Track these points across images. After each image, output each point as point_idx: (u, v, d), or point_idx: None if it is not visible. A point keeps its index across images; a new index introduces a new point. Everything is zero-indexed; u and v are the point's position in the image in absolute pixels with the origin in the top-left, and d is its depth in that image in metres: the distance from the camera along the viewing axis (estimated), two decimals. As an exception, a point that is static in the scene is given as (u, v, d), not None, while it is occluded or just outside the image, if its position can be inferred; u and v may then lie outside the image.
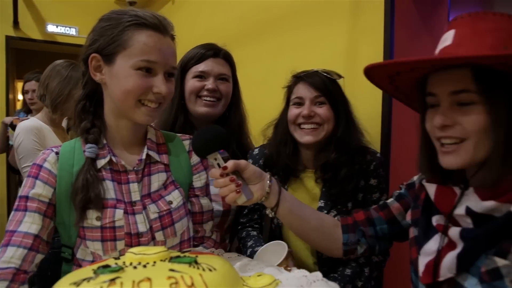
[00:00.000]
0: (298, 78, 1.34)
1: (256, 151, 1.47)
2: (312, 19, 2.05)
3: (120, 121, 1.02)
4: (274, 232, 1.39)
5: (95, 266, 0.72)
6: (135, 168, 1.03)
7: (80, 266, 1.00)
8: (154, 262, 0.71)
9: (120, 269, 0.66)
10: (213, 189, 1.38)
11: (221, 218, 1.43)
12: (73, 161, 1.00)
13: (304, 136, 1.30)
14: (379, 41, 1.63)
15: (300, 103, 1.32)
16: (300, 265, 1.30)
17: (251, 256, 1.31)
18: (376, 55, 1.63)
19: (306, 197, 1.36)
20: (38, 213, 0.94)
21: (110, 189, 0.99)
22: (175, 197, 1.06)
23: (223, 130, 0.97)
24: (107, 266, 0.68)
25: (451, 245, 0.79)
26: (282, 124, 1.38)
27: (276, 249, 1.16)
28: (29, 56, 2.68)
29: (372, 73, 0.88)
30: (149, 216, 1.01)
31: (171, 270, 0.64)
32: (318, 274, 0.76)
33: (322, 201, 1.32)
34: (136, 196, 1.02)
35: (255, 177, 0.96)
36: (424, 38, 1.70)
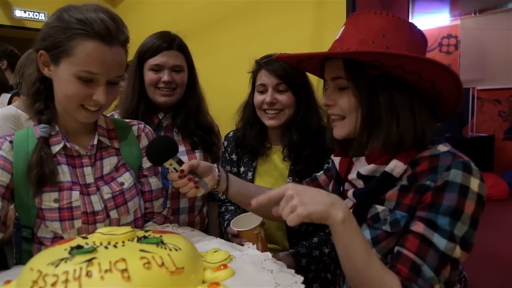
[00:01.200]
0: (260, 65, 1.43)
1: (231, 133, 1.60)
2: (281, 5, 2.14)
3: (68, 114, 1.07)
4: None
5: (66, 245, 0.78)
6: (88, 153, 1.10)
7: (41, 243, 1.06)
8: (123, 242, 0.79)
9: (93, 249, 0.73)
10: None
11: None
12: (28, 148, 1.04)
13: (268, 120, 1.43)
14: (341, 25, 1.73)
15: (263, 90, 1.42)
16: (270, 237, 1.43)
17: (227, 227, 1.42)
18: None
19: (275, 173, 1.48)
20: None
21: (66, 173, 1.05)
22: (126, 178, 1.14)
23: (171, 139, 1.10)
24: (80, 246, 0.75)
25: (353, 205, 0.97)
26: (248, 107, 1.50)
27: (250, 219, 1.28)
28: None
29: (282, 60, 1.05)
30: (103, 196, 1.09)
31: (142, 250, 0.72)
32: (268, 254, 0.87)
33: (290, 177, 1.44)
34: (90, 179, 1.09)
35: (206, 171, 1.10)
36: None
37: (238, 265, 0.84)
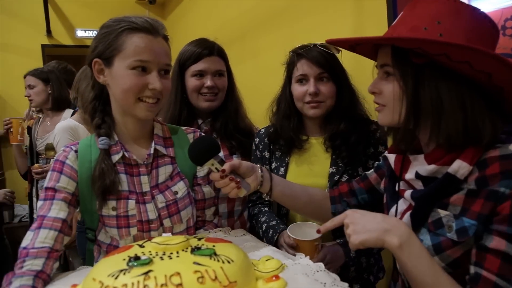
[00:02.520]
0: (299, 54, 1.38)
1: (262, 130, 1.57)
2: (320, 5, 2.10)
3: (126, 118, 1.12)
4: (282, 210, 1.50)
5: (125, 254, 0.81)
6: (145, 162, 1.13)
7: (100, 246, 1.14)
8: (177, 252, 0.81)
9: (150, 261, 0.76)
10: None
11: None
12: (91, 156, 1.11)
13: (310, 110, 1.38)
14: (383, 21, 1.68)
15: (303, 79, 1.38)
16: None
17: (266, 230, 1.42)
18: (381, 33, 1.69)
19: (313, 165, 1.44)
20: (64, 201, 1.06)
21: (123, 182, 1.10)
22: (180, 187, 1.16)
23: (213, 140, 1.09)
24: (137, 257, 0.78)
25: (410, 207, 0.92)
26: (284, 100, 1.46)
27: (306, 227, 1.23)
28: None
29: (335, 44, 1.02)
30: (157, 205, 1.12)
31: (196, 263, 0.73)
32: (321, 265, 0.86)
33: (333, 167, 1.39)
34: (146, 187, 1.12)
35: (248, 171, 1.09)
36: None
37: (290, 275, 0.84)
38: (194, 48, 1.56)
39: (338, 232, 1.38)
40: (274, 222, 1.43)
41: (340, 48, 1.37)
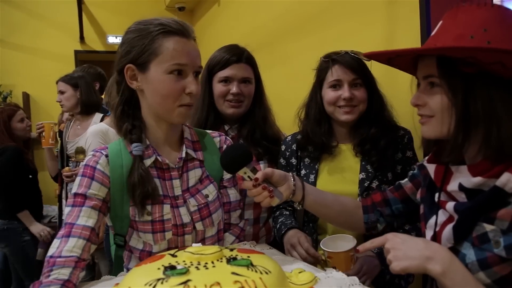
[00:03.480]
0: (334, 60, 1.40)
1: (289, 137, 1.58)
2: (351, 9, 2.09)
3: (159, 122, 1.11)
4: (309, 216, 1.48)
5: (159, 263, 0.81)
6: (176, 166, 1.12)
7: (131, 251, 1.12)
8: (213, 262, 0.80)
9: (186, 270, 0.75)
10: None
11: None
12: (122, 161, 1.09)
13: (343, 115, 1.39)
14: (415, 28, 1.66)
15: (337, 85, 1.39)
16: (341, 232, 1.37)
17: (279, 228, 1.44)
18: (413, 41, 1.67)
19: (344, 172, 1.44)
20: (94, 209, 1.04)
21: (157, 186, 1.09)
22: (211, 190, 1.16)
23: (246, 147, 1.10)
24: (173, 267, 0.77)
25: (450, 219, 0.89)
26: (315, 105, 1.47)
27: (339, 240, 1.21)
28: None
29: (372, 57, 0.99)
30: (190, 208, 1.11)
31: (234, 273, 0.73)
32: (355, 279, 0.84)
33: (363, 173, 1.40)
34: (178, 191, 1.12)
35: (281, 180, 1.08)
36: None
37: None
38: (223, 54, 1.57)
39: (370, 237, 1.36)
40: (289, 221, 1.45)
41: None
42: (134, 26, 1.07)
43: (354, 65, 1.36)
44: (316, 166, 1.47)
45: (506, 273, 0.78)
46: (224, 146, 1.23)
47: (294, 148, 1.54)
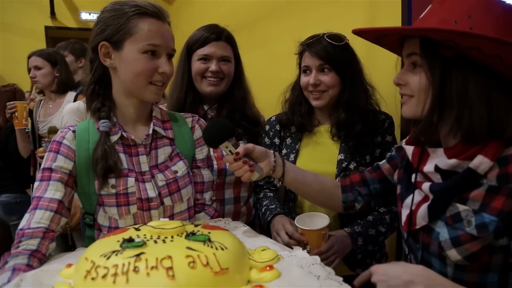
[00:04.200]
0: (304, 47, 1.43)
1: (273, 118, 1.61)
2: None
3: (129, 100, 1.13)
4: (289, 196, 1.51)
5: (119, 236, 0.81)
6: (143, 142, 1.14)
7: (100, 230, 1.13)
8: (172, 236, 0.80)
9: (143, 243, 0.75)
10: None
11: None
12: (89, 137, 1.11)
13: (313, 101, 1.43)
14: (397, 12, 1.65)
15: (307, 70, 1.42)
16: None
17: (264, 212, 1.46)
18: (394, 25, 1.65)
19: (322, 153, 1.47)
20: (60, 182, 1.06)
21: (123, 161, 1.11)
22: (180, 167, 1.17)
23: (228, 122, 1.10)
24: (131, 239, 0.78)
25: (425, 199, 0.92)
26: (296, 88, 1.51)
27: (313, 218, 1.26)
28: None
29: (361, 35, 0.99)
30: (158, 183, 1.13)
31: (188, 248, 0.73)
32: (317, 258, 0.85)
33: (341, 154, 1.42)
34: (145, 167, 1.13)
35: (262, 155, 1.10)
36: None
37: (285, 267, 0.83)
38: (203, 32, 1.56)
39: (345, 217, 1.42)
40: (273, 206, 1.47)
41: (347, 38, 1.39)
42: (110, 6, 1.09)
43: (321, 51, 1.37)
44: (297, 146, 1.50)
45: (475, 250, 0.82)
46: (196, 126, 1.25)
47: (278, 128, 1.56)
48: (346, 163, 1.40)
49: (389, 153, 1.19)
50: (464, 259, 0.83)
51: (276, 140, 1.57)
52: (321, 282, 0.75)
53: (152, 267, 0.66)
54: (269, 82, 2.50)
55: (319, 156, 1.47)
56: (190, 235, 0.80)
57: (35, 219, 0.99)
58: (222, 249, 0.75)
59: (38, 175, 1.07)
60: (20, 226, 0.99)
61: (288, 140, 1.53)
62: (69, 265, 0.85)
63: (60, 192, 1.05)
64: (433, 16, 0.86)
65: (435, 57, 0.84)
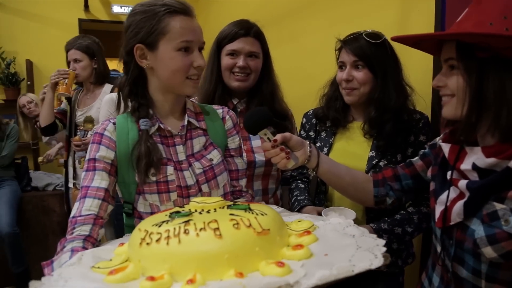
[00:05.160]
0: (341, 43, 1.47)
1: (310, 111, 1.66)
2: None
3: (166, 96, 1.19)
4: (320, 188, 1.55)
5: (167, 212, 0.89)
6: (179, 133, 1.21)
7: (141, 218, 1.18)
8: (215, 209, 0.87)
9: (190, 213, 0.83)
10: (254, 143, 1.59)
11: (264, 167, 1.62)
12: (128, 129, 1.17)
13: (345, 96, 1.47)
14: (430, 11, 1.66)
15: (342, 66, 1.46)
16: None
17: (293, 203, 1.52)
18: (427, 25, 1.66)
19: (355, 148, 1.50)
20: (104, 171, 1.13)
21: (161, 151, 1.17)
22: (215, 155, 1.23)
23: (268, 111, 1.16)
24: (178, 212, 0.85)
25: (461, 195, 0.93)
26: (334, 83, 1.54)
27: (341, 212, 1.26)
28: (98, 36, 2.86)
29: (398, 41, 1.02)
30: (195, 171, 1.19)
31: (231, 214, 0.79)
32: (350, 221, 0.90)
33: (373, 151, 1.45)
34: (182, 156, 1.19)
35: (298, 145, 1.15)
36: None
37: (322, 233, 0.88)
38: (232, 27, 1.60)
39: (372, 213, 1.43)
40: (302, 197, 1.52)
41: (386, 37, 1.41)
42: (139, 8, 1.13)
43: (357, 48, 1.39)
44: (331, 140, 1.54)
45: (511, 248, 0.83)
46: (227, 117, 1.30)
47: (314, 122, 1.61)
48: (377, 161, 1.42)
49: (422, 151, 1.21)
50: (500, 257, 0.85)
51: (312, 133, 1.61)
52: (357, 240, 0.80)
53: (200, 229, 0.73)
54: (297, 77, 2.54)
55: (351, 151, 1.50)
56: (232, 206, 0.86)
57: (85, 206, 1.07)
58: (262, 215, 0.81)
59: (85, 165, 1.15)
60: (72, 214, 1.07)
61: (323, 134, 1.57)
62: (122, 244, 0.93)
63: (105, 181, 1.12)
64: (468, 20, 0.88)
65: (471, 59, 0.86)
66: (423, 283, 1.12)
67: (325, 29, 2.32)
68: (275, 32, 2.62)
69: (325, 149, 1.53)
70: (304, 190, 1.58)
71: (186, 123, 1.21)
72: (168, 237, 0.74)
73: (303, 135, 1.64)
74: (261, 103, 1.63)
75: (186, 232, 0.73)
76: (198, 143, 1.23)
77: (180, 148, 1.20)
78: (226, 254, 0.70)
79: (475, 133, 0.93)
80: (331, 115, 1.52)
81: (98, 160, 1.13)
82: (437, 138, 1.15)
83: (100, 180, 1.11)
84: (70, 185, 2.75)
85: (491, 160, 0.87)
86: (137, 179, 1.14)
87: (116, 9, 4.91)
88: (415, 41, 1.00)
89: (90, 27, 4.86)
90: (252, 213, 0.81)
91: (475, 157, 0.91)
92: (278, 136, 1.11)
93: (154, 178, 1.14)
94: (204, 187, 1.19)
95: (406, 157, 1.40)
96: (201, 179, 1.19)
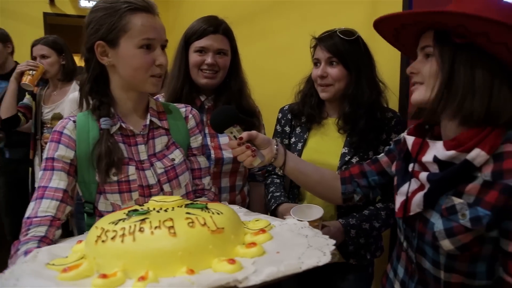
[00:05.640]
0: (316, 40, 1.50)
1: (286, 107, 1.68)
2: None
3: (128, 94, 1.18)
4: (294, 182, 1.55)
5: (125, 210, 0.90)
6: (141, 132, 1.20)
7: (102, 217, 1.15)
8: (173, 208, 0.88)
9: (147, 212, 0.84)
10: (222, 140, 1.59)
11: (232, 164, 1.63)
12: (88, 128, 1.16)
13: (320, 93, 1.50)
14: (398, 6, 1.71)
15: (317, 63, 1.49)
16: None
17: (269, 199, 1.55)
18: None
19: (328, 145, 1.53)
20: (63, 171, 1.11)
21: (123, 150, 1.16)
22: (177, 155, 1.24)
23: (234, 110, 1.17)
24: (135, 210, 0.86)
25: (421, 187, 0.97)
26: (309, 80, 1.58)
27: (311, 209, 1.31)
28: (65, 31, 2.69)
29: (379, 28, 1.05)
30: (157, 171, 1.19)
31: (188, 213, 0.81)
32: (305, 223, 0.93)
33: (345, 148, 1.48)
34: (143, 156, 1.19)
35: (264, 143, 1.17)
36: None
37: (277, 232, 0.91)
38: (201, 24, 1.59)
39: (343, 209, 1.48)
40: (278, 194, 1.55)
41: (359, 34, 1.44)
42: (101, 5, 1.12)
43: (331, 45, 1.43)
44: (305, 136, 1.57)
45: (467, 240, 0.88)
46: (190, 116, 1.31)
47: (289, 117, 1.63)
48: (349, 157, 1.46)
49: (388, 147, 1.25)
50: (456, 249, 0.89)
51: (287, 128, 1.64)
52: (309, 239, 0.83)
53: (155, 227, 0.75)
54: (268, 75, 2.55)
55: (325, 147, 1.53)
56: (190, 205, 0.88)
57: (42, 208, 1.05)
58: (218, 213, 0.83)
59: (42, 164, 1.12)
60: (26, 215, 1.04)
61: (298, 130, 1.60)
62: (80, 242, 0.92)
63: (64, 181, 1.10)
64: (463, 3, 0.89)
65: (446, 45, 0.89)
66: (388, 274, 1.16)
67: (296, 26, 2.35)
68: (246, 30, 2.61)
69: (300, 144, 1.56)
70: (280, 186, 1.61)
71: (148, 122, 1.21)
72: (123, 234, 0.75)
73: (279, 130, 1.66)
74: (229, 100, 1.63)
75: (141, 230, 0.75)
76: (160, 142, 1.23)
77: (141, 148, 1.20)
78: (179, 251, 0.72)
79: (438, 118, 0.96)
80: (306, 111, 1.55)
81: (57, 160, 1.11)
82: (401, 134, 1.19)
83: (59, 181, 1.09)
84: (37, 185, 2.66)
85: (451, 152, 0.90)
86: (97, 179, 1.13)
87: (83, 3, 4.73)
88: (396, 33, 1.02)
89: (56, 21, 4.68)
90: (208, 212, 0.83)
91: (436, 150, 0.95)
92: (244, 134, 1.12)
93: (115, 178, 1.13)
94: (166, 187, 1.20)
95: (377, 155, 1.44)
96: (163, 179, 1.19)
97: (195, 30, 1.59)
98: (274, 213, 1.49)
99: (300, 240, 0.84)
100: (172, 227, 0.75)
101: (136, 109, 1.22)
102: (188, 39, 1.61)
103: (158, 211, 0.86)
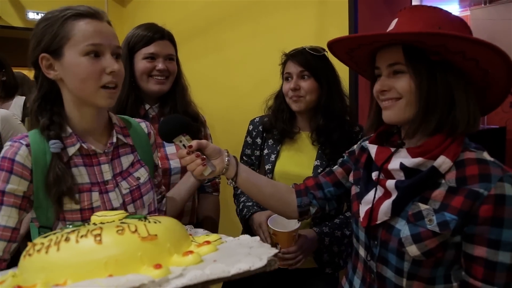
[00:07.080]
0: (287, 56, 1.57)
1: (256, 119, 1.71)
2: (284, 3, 2.19)
3: (83, 110, 1.07)
4: None
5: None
6: (105, 151, 1.11)
7: None
8: (113, 221, 0.85)
9: (81, 225, 0.80)
10: (169, 150, 1.56)
11: (181, 174, 1.58)
12: (45, 150, 1.03)
13: (292, 104, 1.55)
14: (344, 23, 1.79)
15: (288, 77, 1.54)
16: None
17: (242, 209, 1.56)
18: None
19: (301, 156, 1.57)
20: (14, 207, 0.99)
21: (83, 174, 1.07)
22: (142, 173, 1.18)
23: (183, 118, 1.15)
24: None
25: (387, 195, 0.97)
26: (280, 95, 1.63)
27: (288, 221, 1.32)
28: (12, 44, 2.58)
29: (334, 47, 1.07)
30: (122, 191, 1.12)
31: (122, 223, 0.78)
32: (256, 238, 0.87)
33: (318, 160, 1.53)
34: (107, 176, 1.10)
35: (215, 153, 1.13)
36: (387, 20, 1.83)
37: (225, 246, 0.87)
38: (145, 31, 1.58)
39: (317, 219, 1.50)
40: (250, 204, 1.56)
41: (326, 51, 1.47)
42: (43, 17, 1.05)
43: (302, 59, 1.50)
44: (278, 148, 1.60)
45: (433, 246, 0.89)
46: (152, 132, 1.27)
47: (261, 129, 1.66)
48: (322, 169, 1.49)
49: (341, 158, 1.24)
50: (422, 255, 0.90)
51: (258, 140, 1.66)
52: (251, 250, 0.79)
53: (82, 236, 0.71)
54: (221, 88, 2.57)
55: (298, 159, 1.57)
56: (128, 216, 0.85)
57: None
58: (155, 222, 0.79)
59: None
60: None
61: (270, 141, 1.63)
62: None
63: (14, 218, 0.99)
64: (409, 27, 0.93)
65: (421, 62, 0.91)
66: (343, 287, 1.14)
67: (247, 40, 2.40)
68: (199, 43, 2.64)
69: (273, 156, 1.59)
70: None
71: (115, 140, 1.13)
72: (48, 246, 0.71)
73: (249, 142, 1.68)
74: (175, 105, 1.61)
75: (67, 239, 0.71)
76: (126, 160, 1.16)
77: (105, 167, 1.10)
78: (104, 259, 0.68)
79: (417, 131, 0.96)
80: (279, 126, 1.59)
81: (8, 194, 0.98)
82: (355, 146, 1.20)
83: (7, 218, 0.98)
84: None
85: (418, 159, 0.92)
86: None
87: (31, 15, 4.47)
88: (350, 50, 1.04)
89: (2, 34, 4.44)
90: (145, 221, 0.79)
91: (401, 158, 0.95)
92: (194, 143, 1.08)
93: (77, 206, 1.04)
94: (130, 208, 1.13)
95: None
96: (128, 200, 1.13)
97: (140, 38, 1.58)
98: (248, 222, 1.50)
99: (242, 250, 0.80)
100: (99, 234, 0.71)
101: (95, 127, 1.12)
102: (133, 47, 1.58)
103: (95, 224, 0.82)
